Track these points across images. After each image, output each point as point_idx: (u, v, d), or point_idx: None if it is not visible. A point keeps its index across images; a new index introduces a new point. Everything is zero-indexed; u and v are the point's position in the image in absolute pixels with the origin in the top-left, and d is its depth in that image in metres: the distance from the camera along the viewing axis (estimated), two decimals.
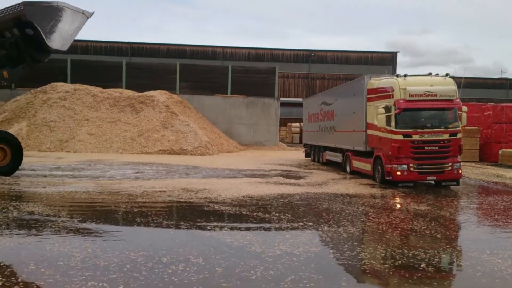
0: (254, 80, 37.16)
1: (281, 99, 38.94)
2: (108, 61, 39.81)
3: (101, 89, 30.78)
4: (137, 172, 16.12)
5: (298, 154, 29.13)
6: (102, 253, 6.19)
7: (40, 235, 7.12)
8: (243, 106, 35.93)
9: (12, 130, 26.10)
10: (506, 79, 62.38)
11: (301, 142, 45.03)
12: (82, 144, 25.86)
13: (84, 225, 7.90)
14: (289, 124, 49.32)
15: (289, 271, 5.61)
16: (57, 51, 14.63)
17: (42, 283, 5.05)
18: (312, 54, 58.96)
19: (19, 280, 5.11)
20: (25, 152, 23.93)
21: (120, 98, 30.05)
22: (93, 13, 14.71)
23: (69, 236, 7.08)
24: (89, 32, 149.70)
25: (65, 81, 32.62)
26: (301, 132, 46.19)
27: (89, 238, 7.04)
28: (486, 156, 24.54)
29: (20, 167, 14.78)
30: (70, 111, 28.10)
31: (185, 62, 40.28)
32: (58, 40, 13.93)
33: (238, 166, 19.56)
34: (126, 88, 33.70)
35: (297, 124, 48.00)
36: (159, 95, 30.81)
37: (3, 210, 8.89)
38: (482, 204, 11.38)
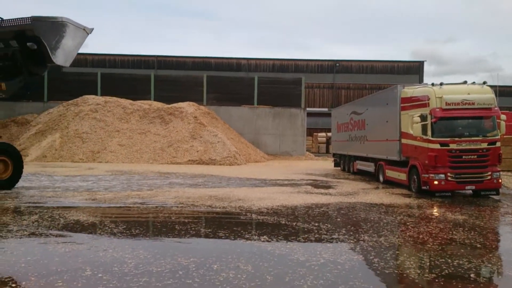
0: (280, 90, 37.27)
1: (307, 109, 38.88)
2: (136, 74, 40.56)
3: (130, 101, 31.40)
4: (170, 183, 16.29)
5: (326, 164, 28.96)
6: (154, 260, 6.34)
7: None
8: (270, 116, 36.03)
9: (46, 141, 26.85)
10: None
11: (327, 152, 44.82)
12: (113, 155, 26.34)
13: (132, 232, 8.01)
14: (315, 134, 49.15)
15: (339, 280, 5.58)
16: (59, 67, 14.45)
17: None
18: (337, 64, 58.80)
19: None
20: (59, 163, 24.65)
21: (149, 110, 30.55)
22: (92, 29, 14.62)
23: (121, 241, 7.19)
24: (116, 46, 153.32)
25: (96, 94, 33.40)
26: (327, 142, 45.99)
27: (139, 244, 7.18)
28: None
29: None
30: (101, 123, 28.71)
31: (211, 74, 40.70)
32: (61, 56, 13.83)
33: (268, 176, 19.55)
34: (155, 100, 34.28)
35: (323, 134, 47.81)
36: (187, 107, 31.21)
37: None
38: None
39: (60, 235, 7.81)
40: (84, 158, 26.18)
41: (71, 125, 28.64)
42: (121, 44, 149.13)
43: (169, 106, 31.34)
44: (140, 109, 30.53)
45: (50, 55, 13.13)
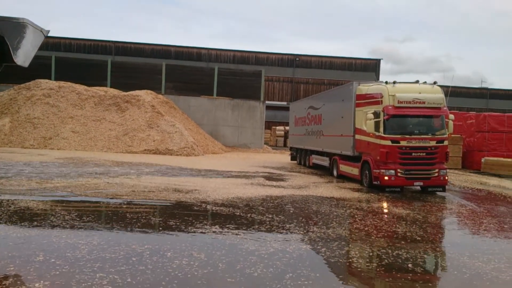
0: (240, 82, 37.26)
1: (266, 102, 39.10)
2: (93, 59, 39.40)
3: (85, 87, 30.49)
4: (126, 172, 16.01)
5: (283, 157, 29.30)
6: (108, 246, 6.40)
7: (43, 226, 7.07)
8: (229, 108, 35.97)
9: None
10: (486, 88, 63.86)
11: (285, 145, 45.28)
12: (66, 142, 25.54)
13: (88, 224, 7.85)
14: (273, 127, 49.51)
15: (288, 268, 5.79)
16: (17, 67, 14.40)
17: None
18: (297, 59, 59.40)
19: None
20: (8, 148, 23.65)
21: (105, 96, 29.78)
22: (49, 31, 14.57)
23: (73, 228, 7.03)
24: (73, 30, 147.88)
25: (49, 78, 32.20)
26: (285, 136, 46.45)
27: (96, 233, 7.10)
28: (469, 163, 25.10)
29: None
30: (54, 109, 27.74)
31: (170, 63, 40.10)
32: (22, 56, 13.70)
33: (226, 168, 19.59)
34: (111, 87, 33.44)
35: (281, 128, 48.24)
36: (145, 95, 30.64)
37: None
38: (466, 210, 11.64)
39: (12, 222, 7.57)
40: (35, 144, 25.23)
41: (22, 109, 27.49)
42: (82, 29, 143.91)
43: (126, 93, 30.65)
44: (95, 96, 29.69)
45: (12, 55, 12.92)
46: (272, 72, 55.45)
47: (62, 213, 8.52)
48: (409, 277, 5.73)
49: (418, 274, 5.92)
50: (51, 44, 52.76)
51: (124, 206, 9.69)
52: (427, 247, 7.32)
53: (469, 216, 10.66)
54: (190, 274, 5.41)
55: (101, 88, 31.53)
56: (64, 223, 7.71)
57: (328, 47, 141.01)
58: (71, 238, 6.76)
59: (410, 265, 6.22)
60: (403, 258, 6.55)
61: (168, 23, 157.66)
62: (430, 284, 5.76)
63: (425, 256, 6.80)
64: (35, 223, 7.69)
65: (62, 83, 30.07)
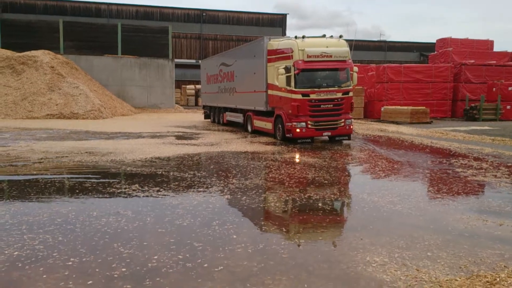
0: (146, 40, 35.92)
1: (175, 60, 38.20)
2: None
3: None
4: (31, 137, 15.03)
5: (196, 116, 29.23)
6: (30, 211, 6.31)
7: None
8: (136, 67, 34.68)
9: None
10: (385, 41, 67.84)
11: (196, 104, 44.98)
12: None
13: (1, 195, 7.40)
14: (183, 86, 48.74)
15: (215, 216, 6.15)
16: None
17: None
18: (204, 14, 58.15)
19: None
20: None
21: None
22: None
23: None
24: None
25: None
26: (196, 94, 46.05)
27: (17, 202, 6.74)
28: (370, 113, 27.04)
29: None
30: None
31: (67, 19, 37.27)
32: None
33: (139, 129, 19.18)
34: (3, 47, 30.52)
35: (192, 86, 47.69)
36: (42, 55, 28.39)
37: None
38: (367, 155, 12.72)
39: None
40: None
41: None
42: None
43: (21, 54, 28.14)
44: None
45: None
46: (178, 28, 53.86)
47: None
48: (320, 214, 6.38)
49: (327, 211, 6.59)
50: None
51: (40, 172, 9.22)
52: (333, 188, 8.05)
53: (369, 160, 11.69)
54: (120, 228, 5.54)
55: None
56: None
57: (234, 2, 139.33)
58: None
59: (320, 204, 6.85)
60: (313, 199, 7.18)
61: None
62: (338, 218, 6.45)
63: (332, 196, 7.49)
64: None
65: None
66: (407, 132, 18.60)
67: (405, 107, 24.24)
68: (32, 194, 7.46)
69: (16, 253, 4.66)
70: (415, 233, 5.40)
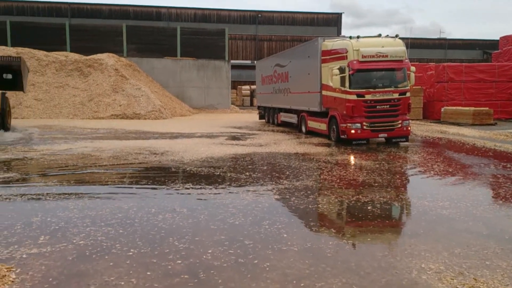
0: (203, 42, 36.77)
1: (231, 61, 38.86)
2: (50, 23, 37.71)
3: (45, 52, 29.44)
4: (98, 137, 15.97)
5: (251, 116, 29.62)
6: (95, 206, 6.81)
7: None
8: (194, 69, 35.64)
9: None
10: (445, 39, 65.18)
11: (251, 104, 45.48)
12: (30, 110, 24.93)
13: (75, 188, 8.00)
14: (239, 86, 49.42)
15: (266, 215, 6.33)
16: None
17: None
18: (259, 15, 58.63)
19: None
20: None
21: (66, 62, 28.92)
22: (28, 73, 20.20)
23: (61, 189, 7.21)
24: None
25: (5, 45, 30.82)
26: (251, 95, 46.56)
27: (85, 198, 7.35)
28: (429, 114, 26.15)
29: None
30: None
31: (130, 24, 38.95)
32: (26, 85, 19.20)
33: (194, 129, 19.76)
34: (71, 51, 32.42)
35: (247, 87, 48.25)
36: (107, 58, 29.92)
37: None
38: (429, 157, 12.39)
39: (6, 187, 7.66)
40: None
41: None
42: None
43: (87, 57, 29.82)
44: (56, 61, 28.75)
45: (24, 86, 18.49)
46: (234, 30, 54.66)
47: (42, 181, 8.65)
48: (373, 217, 6.34)
49: (381, 215, 6.53)
50: (2, 8, 50.03)
51: (107, 170, 9.84)
52: (386, 192, 7.91)
53: (426, 163, 11.36)
54: (175, 224, 5.85)
55: (61, 53, 30.51)
56: (49, 189, 7.85)
57: (289, 2, 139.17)
58: (61, 201, 7.02)
59: (372, 208, 6.80)
60: (365, 202, 7.14)
61: None
62: (392, 222, 6.40)
63: (385, 199, 7.38)
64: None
65: (20, 49, 28.86)
66: (469, 134, 17.86)
67: (467, 108, 23.24)
68: (98, 190, 8.00)
69: (82, 242, 5.10)
70: (472, 241, 5.25)
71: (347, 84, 14.06)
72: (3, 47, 29.23)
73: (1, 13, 48.04)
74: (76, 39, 34.04)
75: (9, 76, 17.82)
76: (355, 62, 13.90)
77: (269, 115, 24.00)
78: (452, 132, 18.69)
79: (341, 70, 14.16)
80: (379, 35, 14.90)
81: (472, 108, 22.85)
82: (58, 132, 17.85)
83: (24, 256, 4.64)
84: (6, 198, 7.21)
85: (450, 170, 10.27)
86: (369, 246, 5.22)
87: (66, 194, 7.60)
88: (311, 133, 17.41)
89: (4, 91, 17.68)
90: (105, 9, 54.25)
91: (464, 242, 5.24)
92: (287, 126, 21.10)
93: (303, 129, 18.19)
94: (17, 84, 18.27)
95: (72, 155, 11.83)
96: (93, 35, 34.83)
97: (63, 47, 33.22)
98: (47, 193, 7.55)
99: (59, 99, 26.25)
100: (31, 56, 28.15)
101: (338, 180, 8.88)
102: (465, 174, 9.85)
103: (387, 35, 14.90)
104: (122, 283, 4.05)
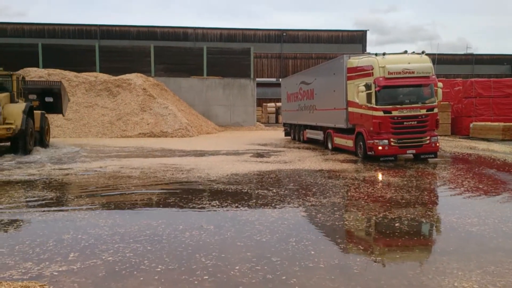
0: (229, 61, 37.27)
1: (256, 79, 39.20)
2: (80, 45, 39.02)
3: (75, 73, 30.39)
4: (127, 155, 16.27)
5: (277, 134, 29.65)
6: (124, 223, 6.90)
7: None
8: (220, 87, 36.08)
9: None
10: (472, 54, 64.29)
11: (277, 121, 45.56)
12: (60, 130, 25.63)
13: (106, 205, 8.17)
14: (264, 104, 49.69)
15: (293, 232, 6.31)
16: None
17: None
18: (284, 34, 59.20)
19: None
20: None
21: (95, 82, 29.75)
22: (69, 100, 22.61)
23: (91, 210, 7.37)
24: (53, 15, 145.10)
25: (37, 66, 31.98)
26: (276, 112, 46.69)
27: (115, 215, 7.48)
28: (458, 129, 25.66)
29: None
30: None
31: (157, 44, 39.87)
32: (66, 109, 20.89)
33: (220, 147, 19.89)
34: (100, 72, 33.37)
35: (272, 104, 48.45)
36: (135, 78, 30.64)
37: None
38: (458, 174, 12.11)
39: (41, 205, 7.87)
40: None
41: None
42: (59, 12, 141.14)
43: (116, 78, 30.61)
44: (85, 82, 29.63)
45: (63, 109, 20.16)
46: (260, 48, 55.27)
47: (77, 200, 8.86)
48: (402, 235, 6.23)
49: (410, 232, 6.42)
50: (34, 31, 52.08)
51: (137, 188, 10.00)
52: (415, 209, 7.76)
53: (456, 179, 11.09)
54: (201, 241, 5.88)
55: (91, 73, 31.44)
56: (81, 207, 8.03)
57: (313, 20, 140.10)
58: (93, 218, 7.16)
59: (401, 225, 6.67)
60: (394, 219, 7.01)
61: (144, 2, 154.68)
62: (422, 240, 6.25)
63: (415, 216, 7.23)
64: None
65: (51, 70, 29.92)
66: (499, 150, 17.42)
67: (496, 123, 22.71)
68: (127, 207, 8.14)
69: (110, 258, 5.17)
70: (505, 258, 5.11)
71: (373, 100, 13.99)
72: (35, 68, 30.34)
73: (33, 36, 49.99)
74: (105, 60, 35.03)
75: (50, 99, 19.15)
76: (381, 78, 13.84)
77: (294, 132, 24.01)
78: (482, 147, 18.27)
79: (367, 87, 14.12)
80: (405, 52, 14.83)
81: (502, 124, 22.32)
82: (93, 151, 18.26)
83: (55, 273, 4.73)
84: (39, 216, 7.41)
85: (481, 186, 10.01)
86: (398, 263, 5.13)
87: (97, 210, 7.75)
88: (337, 149, 17.31)
89: (43, 111, 18.51)
90: (133, 31, 55.79)
91: (496, 260, 5.10)
92: (312, 143, 21.03)
93: (329, 145, 18.10)
94: (57, 107, 19.63)
95: (104, 173, 12.07)
96: (122, 56, 35.78)
97: (92, 68, 34.23)
98: (79, 209, 7.73)
99: (88, 119, 26.95)
100: (61, 77, 29.06)
101: (365, 197, 8.78)
102: (497, 191, 9.58)
103: (413, 52, 14.81)
104: None
